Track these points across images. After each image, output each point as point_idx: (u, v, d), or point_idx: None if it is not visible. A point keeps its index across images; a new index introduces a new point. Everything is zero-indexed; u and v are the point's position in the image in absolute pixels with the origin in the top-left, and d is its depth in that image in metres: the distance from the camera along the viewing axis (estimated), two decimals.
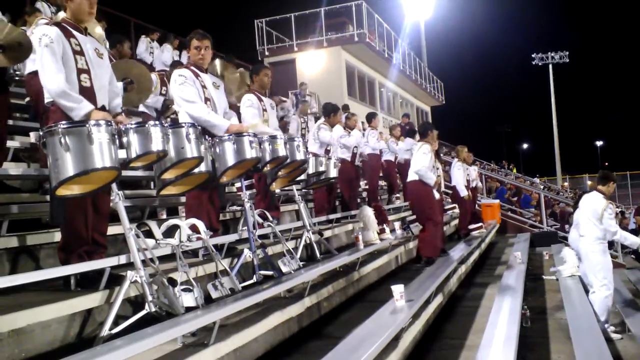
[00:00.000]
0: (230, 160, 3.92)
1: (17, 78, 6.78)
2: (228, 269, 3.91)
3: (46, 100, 3.25)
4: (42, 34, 3.16)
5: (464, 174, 9.44)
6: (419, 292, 4.66)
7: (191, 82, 4.21)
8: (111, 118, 3.14)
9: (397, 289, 4.22)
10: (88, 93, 3.25)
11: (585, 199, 5.89)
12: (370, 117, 9.83)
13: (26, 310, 2.65)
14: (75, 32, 3.28)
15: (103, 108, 3.35)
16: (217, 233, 4.39)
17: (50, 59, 3.12)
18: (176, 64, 7.69)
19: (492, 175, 19.24)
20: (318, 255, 5.45)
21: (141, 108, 6.72)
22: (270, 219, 4.97)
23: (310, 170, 5.63)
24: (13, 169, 4.56)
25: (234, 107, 5.63)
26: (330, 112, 7.40)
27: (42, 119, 4.43)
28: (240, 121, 4.90)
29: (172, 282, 3.17)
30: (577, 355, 4.09)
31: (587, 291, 6.12)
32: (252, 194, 5.53)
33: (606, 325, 5.30)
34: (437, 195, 6.79)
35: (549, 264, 8.80)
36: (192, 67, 4.34)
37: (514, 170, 31.54)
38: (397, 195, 10.74)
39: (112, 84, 3.54)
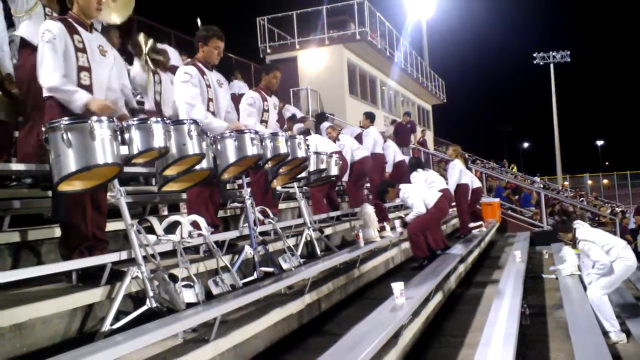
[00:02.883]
0: (232, 157, 3.93)
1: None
2: (229, 266, 3.92)
3: (44, 94, 3.24)
4: (45, 29, 3.17)
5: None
6: (418, 290, 4.67)
7: (196, 81, 4.21)
8: (110, 104, 3.15)
9: (397, 287, 4.22)
10: (86, 91, 3.24)
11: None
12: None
13: (27, 305, 2.67)
14: (80, 29, 3.27)
15: None
16: (217, 229, 4.40)
17: (49, 55, 3.12)
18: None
19: (492, 173, 19.25)
20: (318, 252, 5.46)
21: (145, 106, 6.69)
22: (272, 215, 4.99)
23: (312, 167, 5.64)
24: (14, 164, 4.57)
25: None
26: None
27: (31, 112, 4.27)
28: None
29: (173, 278, 3.18)
30: (576, 353, 4.09)
31: (585, 288, 6.12)
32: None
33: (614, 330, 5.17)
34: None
35: (549, 262, 8.79)
36: (200, 65, 4.33)
37: (515, 169, 31.53)
38: None
39: (119, 80, 3.54)
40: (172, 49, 8.47)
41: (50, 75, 3.11)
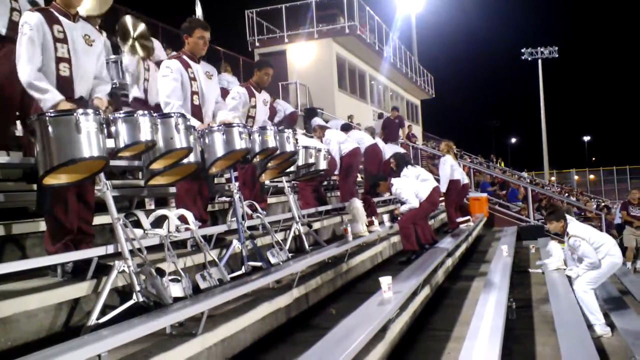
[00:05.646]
0: (220, 151, 3.91)
1: None
2: (217, 260, 3.91)
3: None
4: (24, 21, 3.12)
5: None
6: (406, 284, 4.69)
7: (176, 75, 4.15)
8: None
9: (385, 281, 4.24)
10: (66, 82, 3.20)
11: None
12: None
13: (12, 300, 2.64)
14: (62, 19, 3.21)
15: (81, 99, 3.29)
16: (205, 224, 4.38)
17: (25, 48, 3.07)
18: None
19: (479, 168, 19.37)
20: (307, 246, 5.46)
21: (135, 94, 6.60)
22: (260, 210, 4.97)
23: (300, 162, 5.63)
24: None
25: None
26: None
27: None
28: None
29: (160, 273, 3.16)
30: (561, 346, 4.14)
31: (571, 283, 6.19)
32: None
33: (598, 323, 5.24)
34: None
35: (535, 257, 8.89)
36: (185, 57, 4.29)
37: (502, 164, 31.74)
38: None
39: (101, 72, 3.47)
40: (156, 41, 8.38)
41: (23, 69, 3.06)
